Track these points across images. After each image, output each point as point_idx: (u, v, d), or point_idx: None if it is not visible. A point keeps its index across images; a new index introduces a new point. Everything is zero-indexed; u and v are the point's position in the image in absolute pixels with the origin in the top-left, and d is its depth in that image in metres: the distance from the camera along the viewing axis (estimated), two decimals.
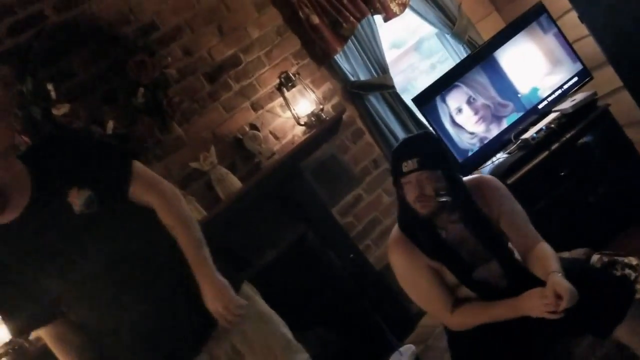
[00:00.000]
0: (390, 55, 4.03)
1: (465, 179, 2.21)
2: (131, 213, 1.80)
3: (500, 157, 3.52)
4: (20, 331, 1.92)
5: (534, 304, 1.90)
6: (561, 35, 3.68)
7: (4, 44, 2.69)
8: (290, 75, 3.22)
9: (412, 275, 2.10)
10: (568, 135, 3.40)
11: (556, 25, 3.67)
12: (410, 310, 3.29)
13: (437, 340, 2.99)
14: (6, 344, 2.42)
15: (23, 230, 1.70)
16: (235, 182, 2.97)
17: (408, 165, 2.04)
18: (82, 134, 2.52)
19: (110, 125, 2.69)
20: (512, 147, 3.50)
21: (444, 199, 2.04)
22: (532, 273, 2.05)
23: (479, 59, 3.62)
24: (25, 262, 1.72)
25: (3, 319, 1.86)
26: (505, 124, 3.62)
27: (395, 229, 2.19)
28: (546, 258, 2.05)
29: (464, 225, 2.11)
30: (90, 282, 1.74)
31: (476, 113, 3.58)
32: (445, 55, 4.36)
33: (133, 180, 1.79)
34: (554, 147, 3.38)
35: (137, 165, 1.84)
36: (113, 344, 1.81)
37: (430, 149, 2.14)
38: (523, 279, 2.04)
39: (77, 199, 1.69)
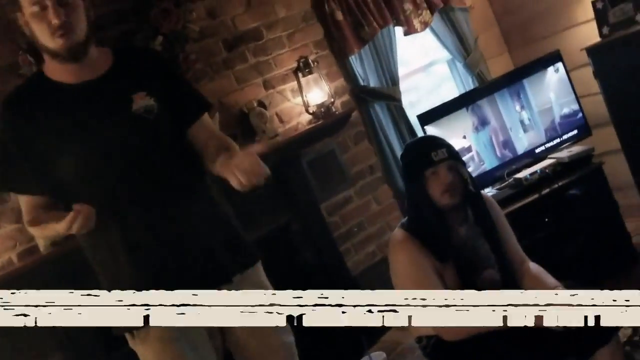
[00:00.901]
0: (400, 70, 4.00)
1: None
2: (173, 146, 1.81)
3: (490, 191, 3.53)
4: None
5: None
6: (571, 87, 3.75)
7: None
8: (310, 61, 3.15)
9: (415, 275, 2.04)
10: (560, 184, 3.44)
11: (569, 76, 3.72)
12: None
13: (408, 350, 2.94)
14: None
15: (83, 96, 1.72)
16: None
17: (438, 154, 2.05)
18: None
19: None
20: (504, 184, 3.52)
21: (473, 189, 2.08)
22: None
23: (488, 92, 3.65)
24: (68, 126, 1.71)
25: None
26: (500, 160, 3.64)
27: (399, 230, 2.15)
28: (540, 275, 2.13)
29: (473, 226, 2.13)
30: (109, 178, 1.73)
31: (477, 142, 3.59)
32: (449, 83, 4.38)
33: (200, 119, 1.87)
34: (544, 191, 3.40)
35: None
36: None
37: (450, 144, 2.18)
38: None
39: (142, 101, 1.73)
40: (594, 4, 3.70)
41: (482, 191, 2.38)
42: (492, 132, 3.63)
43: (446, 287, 2.05)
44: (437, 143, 2.13)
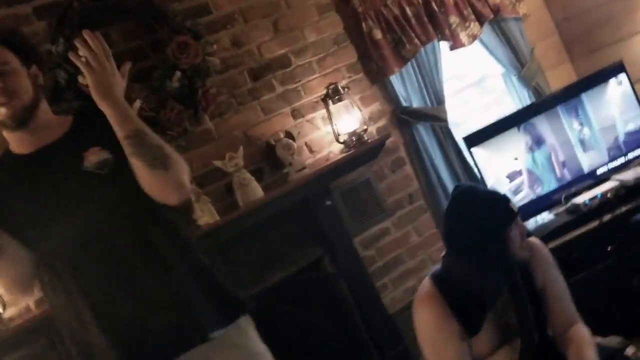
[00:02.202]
0: (448, 87, 3.78)
1: None
2: (133, 197, 1.67)
3: (546, 217, 3.27)
4: None
5: None
6: (636, 100, 3.40)
7: None
8: (339, 87, 2.99)
9: (435, 339, 1.91)
10: (624, 209, 3.13)
11: (633, 89, 3.38)
12: None
13: None
14: None
15: (35, 164, 1.68)
16: (257, 190, 2.75)
17: (514, 206, 1.87)
18: None
19: (137, 104, 2.50)
20: (561, 209, 3.25)
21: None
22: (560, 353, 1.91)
23: (544, 109, 3.37)
24: (22, 198, 1.67)
25: None
26: (558, 183, 3.35)
27: (428, 282, 1.97)
28: (583, 345, 1.90)
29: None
30: (68, 246, 1.65)
31: (532, 164, 3.32)
32: (505, 97, 4.10)
33: None
34: (605, 218, 3.11)
35: None
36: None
37: None
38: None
39: (94, 156, 1.65)
40: None
41: (531, 239, 2.14)
42: (551, 150, 3.35)
43: (471, 354, 1.88)
44: (500, 194, 1.96)
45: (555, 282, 2.00)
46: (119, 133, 1.60)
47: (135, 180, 1.64)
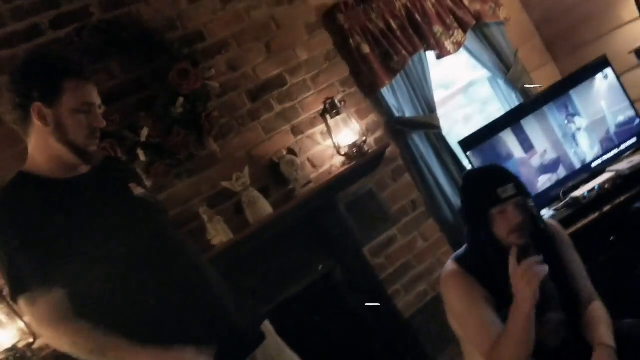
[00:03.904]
0: (437, 95, 3.86)
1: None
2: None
3: (546, 213, 3.32)
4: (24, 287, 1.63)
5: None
6: (623, 92, 3.50)
7: (46, 36, 2.58)
8: (336, 102, 3.06)
9: (472, 309, 1.92)
10: (622, 198, 3.20)
11: (620, 81, 3.48)
12: None
13: None
14: (7, 350, 2.28)
15: (82, 188, 1.73)
16: (266, 207, 2.79)
17: (506, 190, 1.88)
18: None
19: (145, 132, 2.55)
20: (560, 205, 3.32)
21: (542, 227, 1.95)
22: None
23: (533, 109, 3.45)
24: (73, 219, 1.66)
25: (4, 274, 1.65)
26: (555, 179, 3.42)
27: (452, 263, 2.02)
28: (598, 322, 1.95)
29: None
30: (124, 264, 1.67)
31: (525, 164, 3.39)
32: (492, 102, 4.19)
33: None
34: (605, 209, 3.18)
35: None
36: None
37: (516, 175, 2.00)
38: (577, 338, 1.94)
39: (137, 189, 1.82)
40: (638, 3, 3.46)
41: (550, 221, 2.21)
42: (540, 151, 3.42)
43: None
44: (504, 176, 1.95)
45: (572, 262, 2.06)
46: None
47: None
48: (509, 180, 1.92)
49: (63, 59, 1.69)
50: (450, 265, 2.01)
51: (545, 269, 1.77)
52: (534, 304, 1.77)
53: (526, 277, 1.75)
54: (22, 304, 1.61)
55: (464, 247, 2.08)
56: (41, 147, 1.70)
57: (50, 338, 1.64)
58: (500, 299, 1.89)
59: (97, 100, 1.73)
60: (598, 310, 2.00)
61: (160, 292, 1.69)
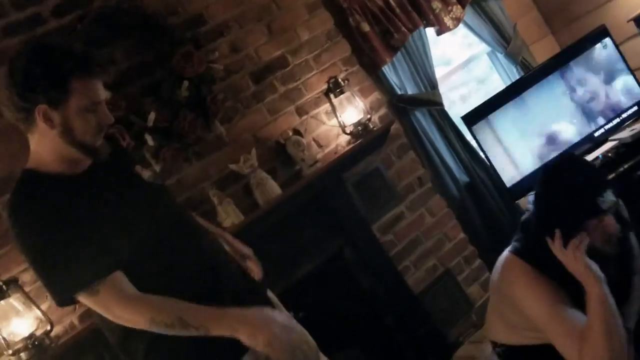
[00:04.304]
0: (438, 72, 3.86)
1: None
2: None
3: None
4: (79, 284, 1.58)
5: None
6: (623, 62, 3.51)
7: (48, 24, 2.57)
8: (340, 80, 3.06)
9: (538, 288, 1.75)
10: (626, 166, 3.22)
11: (619, 50, 3.49)
12: (447, 338, 3.09)
13: None
14: (25, 338, 2.28)
15: (97, 181, 1.69)
16: (274, 188, 2.80)
17: (606, 200, 1.64)
18: None
19: (152, 117, 2.54)
20: None
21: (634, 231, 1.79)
22: None
23: (534, 82, 3.46)
24: (98, 210, 1.62)
25: (49, 278, 1.58)
26: (558, 150, 3.44)
27: (513, 257, 1.84)
28: None
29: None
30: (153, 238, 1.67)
31: (527, 136, 3.40)
32: (492, 76, 4.19)
33: None
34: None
35: None
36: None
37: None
38: None
39: (144, 172, 1.91)
40: None
41: None
42: (542, 124, 3.44)
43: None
44: (602, 182, 1.70)
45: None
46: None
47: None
48: (608, 185, 1.68)
49: (69, 55, 1.56)
50: (512, 259, 1.82)
51: (583, 236, 1.64)
52: (600, 281, 1.64)
53: (573, 255, 1.64)
54: (83, 299, 1.57)
55: (520, 242, 1.88)
56: (46, 146, 1.63)
57: (126, 320, 1.57)
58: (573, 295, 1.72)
59: (104, 94, 1.65)
60: None
61: (191, 264, 1.71)
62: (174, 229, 1.72)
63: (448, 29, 3.70)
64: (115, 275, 1.56)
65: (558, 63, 3.51)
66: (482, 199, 3.62)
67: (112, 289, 1.55)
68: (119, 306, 1.55)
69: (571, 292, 1.73)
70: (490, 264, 3.01)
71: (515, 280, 1.81)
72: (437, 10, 3.70)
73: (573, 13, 3.92)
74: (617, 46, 3.48)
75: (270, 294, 1.96)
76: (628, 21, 3.45)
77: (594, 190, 1.67)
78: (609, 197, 1.67)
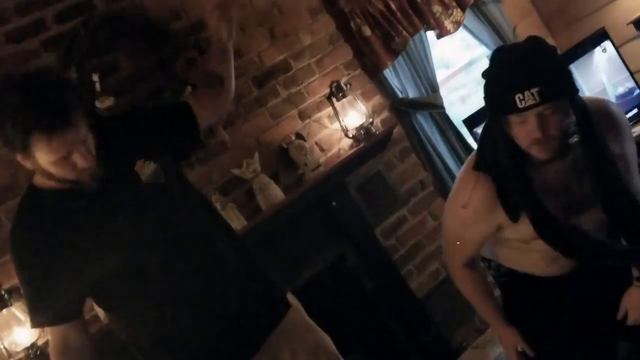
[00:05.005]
0: (439, 75, 3.87)
1: (586, 99, 1.67)
2: (191, 195, 1.85)
3: None
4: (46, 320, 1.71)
5: (508, 344, 1.91)
6: (623, 64, 3.52)
7: (50, 31, 2.56)
8: (342, 85, 3.06)
9: (470, 220, 1.74)
10: None
11: (619, 53, 3.50)
12: (451, 343, 3.10)
13: None
14: (27, 348, 2.27)
15: (95, 193, 1.65)
16: (277, 193, 2.80)
17: (526, 98, 1.46)
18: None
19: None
20: None
21: (574, 140, 1.56)
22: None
23: None
24: (98, 228, 1.66)
25: (32, 303, 1.70)
26: None
27: (468, 169, 1.73)
28: None
29: (571, 164, 1.64)
30: (151, 259, 1.69)
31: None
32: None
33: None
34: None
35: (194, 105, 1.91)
36: (167, 326, 1.72)
37: (553, 68, 1.54)
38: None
39: (146, 169, 1.70)
40: None
41: (608, 101, 1.84)
42: None
43: (479, 242, 1.83)
44: (527, 77, 1.48)
45: (629, 156, 1.71)
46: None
47: (187, 179, 1.87)
48: (535, 83, 1.47)
49: (30, 110, 1.46)
50: (469, 167, 1.72)
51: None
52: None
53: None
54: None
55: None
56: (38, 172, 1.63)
57: None
58: (512, 214, 1.66)
59: (77, 140, 1.53)
60: None
61: (182, 282, 1.71)
62: (170, 246, 1.70)
63: (448, 33, 3.71)
64: (67, 326, 1.67)
65: None
66: None
67: (58, 335, 1.69)
68: (52, 353, 1.70)
69: (509, 208, 1.66)
70: None
71: (458, 184, 1.80)
72: (438, 14, 3.71)
73: (572, 16, 3.93)
74: (616, 48, 3.50)
75: (290, 296, 1.96)
76: (628, 24, 3.46)
77: (515, 82, 1.50)
78: (532, 97, 1.47)
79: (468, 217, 1.73)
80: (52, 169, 1.56)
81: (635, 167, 1.73)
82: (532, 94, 1.47)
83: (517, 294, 1.96)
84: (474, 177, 1.68)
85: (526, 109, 1.48)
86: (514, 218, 1.66)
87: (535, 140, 1.53)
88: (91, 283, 1.67)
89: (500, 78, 1.55)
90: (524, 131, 1.54)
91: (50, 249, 1.61)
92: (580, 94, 1.62)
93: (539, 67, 1.51)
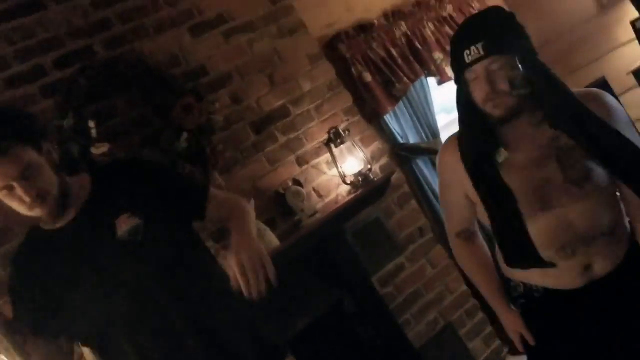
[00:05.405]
0: (440, 120, 3.87)
1: (579, 90, 1.70)
2: (170, 256, 1.72)
3: None
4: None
5: (510, 328, 1.85)
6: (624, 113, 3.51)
7: (49, 76, 2.59)
8: (341, 131, 3.06)
9: (445, 183, 1.83)
10: None
11: (620, 102, 3.49)
12: None
13: None
14: None
15: (68, 238, 1.66)
16: (273, 240, 2.78)
17: (472, 52, 1.54)
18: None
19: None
20: None
21: (522, 92, 1.56)
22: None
23: None
24: (62, 277, 1.66)
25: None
26: None
27: (453, 134, 1.78)
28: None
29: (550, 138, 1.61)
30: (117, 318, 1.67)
31: None
32: None
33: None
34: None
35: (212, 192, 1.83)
36: None
37: (502, 27, 1.61)
38: None
39: (125, 225, 1.64)
40: (633, 24, 3.49)
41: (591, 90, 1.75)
42: None
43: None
44: (474, 34, 1.58)
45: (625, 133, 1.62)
46: None
47: (167, 237, 1.70)
48: (480, 38, 1.55)
49: None
50: (452, 135, 1.78)
51: None
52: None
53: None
54: None
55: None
56: None
57: None
58: (480, 179, 1.67)
59: (15, 173, 1.53)
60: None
61: (158, 337, 1.68)
62: (144, 301, 1.66)
63: (449, 79, 3.72)
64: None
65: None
66: None
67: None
68: None
69: (475, 173, 1.67)
70: (492, 317, 2.97)
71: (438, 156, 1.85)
72: (439, 61, 3.74)
73: (573, 65, 3.94)
74: (617, 98, 3.48)
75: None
76: (627, 74, 3.47)
77: (464, 40, 1.59)
78: (476, 50, 1.55)
79: (442, 179, 1.84)
80: (6, 200, 1.58)
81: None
82: (477, 49, 1.55)
83: (535, 316, 1.82)
84: (448, 140, 1.78)
85: (473, 63, 1.55)
86: (472, 177, 1.67)
87: (487, 96, 1.58)
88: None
89: (454, 39, 1.66)
90: (477, 88, 1.59)
91: (19, 286, 1.69)
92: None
93: (486, 24, 1.62)
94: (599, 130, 1.58)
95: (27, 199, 1.55)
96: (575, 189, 1.61)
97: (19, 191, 1.54)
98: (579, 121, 1.58)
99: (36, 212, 1.60)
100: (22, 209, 1.59)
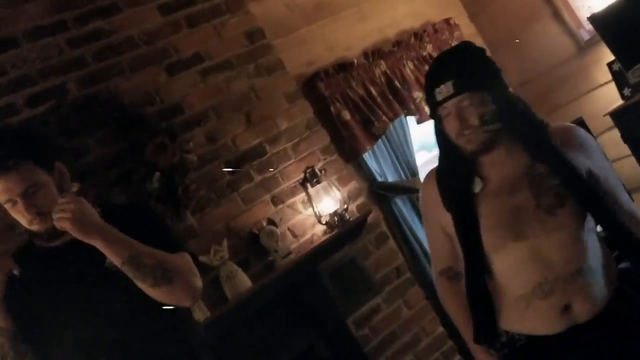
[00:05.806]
0: (419, 158, 3.88)
1: (553, 125, 1.73)
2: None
3: None
4: None
5: None
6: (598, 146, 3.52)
7: (20, 114, 2.57)
8: (316, 170, 3.05)
9: (426, 217, 1.87)
10: None
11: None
12: None
13: None
14: None
15: (62, 257, 1.72)
16: (245, 281, 2.74)
17: (442, 90, 1.60)
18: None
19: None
20: None
21: (492, 127, 1.59)
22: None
23: None
24: (47, 294, 1.71)
25: None
26: None
27: (433, 168, 1.82)
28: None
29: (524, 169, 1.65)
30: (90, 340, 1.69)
31: None
32: None
33: None
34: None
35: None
36: None
37: (471, 63, 1.66)
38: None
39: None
40: (609, 66, 3.53)
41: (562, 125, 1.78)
42: None
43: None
44: (443, 72, 1.63)
45: (603, 167, 1.70)
46: (115, 262, 1.64)
47: None
48: (450, 76, 1.60)
49: None
50: (432, 169, 1.82)
51: None
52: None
53: None
54: None
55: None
56: None
57: None
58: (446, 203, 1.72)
59: (17, 189, 1.62)
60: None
61: None
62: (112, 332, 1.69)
63: (429, 118, 3.72)
64: None
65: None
66: None
67: None
68: None
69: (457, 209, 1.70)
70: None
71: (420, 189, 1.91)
72: (418, 100, 3.76)
73: (551, 104, 3.97)
74: (594, 138, 3.50)
75: None
76: (604, 115, 3.49)
77: (435, 79, 1.65)
78: (445, 89, 1.60)
79: (424, 213, 1.88)
80: (11, 213, 1.68)
81: (617, 182, 1.74)
82: (447, 87, 1.60)
83: None
84: (428, 174, 1.82)
85: (444, 100, 1.61)
86: (449, 209, 1.71)
87: (459, 132, 1.62)
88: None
89: (427, 76, 1.72)
90: (450, 124, 1.64)
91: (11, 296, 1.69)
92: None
93: (455, 62, 1.66)
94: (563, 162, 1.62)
95: (28, 216, 1.65)
96: (548, 217, 1.60)
97: (21, 207, 1.64)
98: (554, 152, 1.62)
99: (35, 227, 1.68)
100: (23, 222, 1.69)
